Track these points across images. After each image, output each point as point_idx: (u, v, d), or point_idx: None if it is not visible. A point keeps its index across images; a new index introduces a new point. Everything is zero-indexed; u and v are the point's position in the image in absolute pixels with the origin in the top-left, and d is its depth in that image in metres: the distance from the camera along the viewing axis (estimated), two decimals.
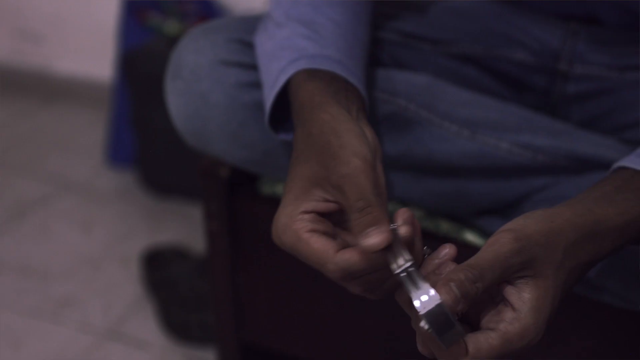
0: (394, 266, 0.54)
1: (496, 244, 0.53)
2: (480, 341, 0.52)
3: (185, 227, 1.53)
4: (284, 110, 0.68)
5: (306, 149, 0.60)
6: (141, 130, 1.64)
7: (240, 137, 0.75)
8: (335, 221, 0.60)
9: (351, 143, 0.58)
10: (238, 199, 0.90)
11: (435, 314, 0.51)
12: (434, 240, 0.81)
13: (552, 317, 0.54)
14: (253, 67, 0.74)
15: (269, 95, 0.66)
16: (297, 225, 0.58)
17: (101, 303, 1.36)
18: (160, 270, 1.35)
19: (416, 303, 0.52)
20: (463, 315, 0.54)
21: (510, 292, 0.53)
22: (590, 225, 0.55)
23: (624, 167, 0.60)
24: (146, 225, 1.57)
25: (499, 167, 0.73)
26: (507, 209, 0.76)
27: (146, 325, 1.31)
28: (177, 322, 1.27)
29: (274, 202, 0.88)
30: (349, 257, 0.56)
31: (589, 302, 0.74)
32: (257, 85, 0.74)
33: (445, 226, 0.80)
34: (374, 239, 0.54)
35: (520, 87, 0.81)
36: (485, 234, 0.79)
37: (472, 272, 0.52)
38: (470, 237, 0.80)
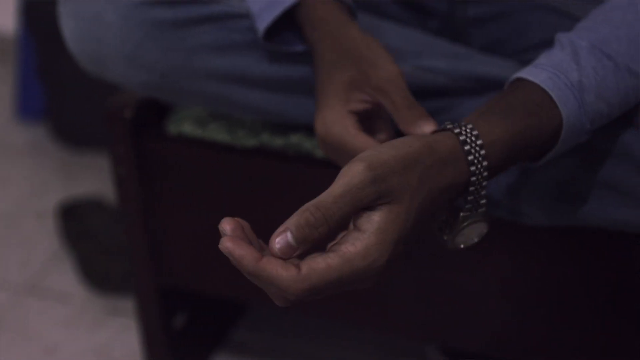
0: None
1: (347, 174, 0.50)
2: (317, 261, 0.49)
3: (101, 179, 1.50)
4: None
5: (341, 58, 0.66)
6: (50, 82, 1.59)
7: (137, 58, 0.73)
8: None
9: (386, 54, 0.66)
10: (145, 141, 0.88)
11: None
12: None
13: (402, 242, 0.52)
14: None
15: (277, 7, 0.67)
16: (346, 121, 0.65)
17: (18, 259, 1.33)
18: (77, 222, 1.32)
19: None
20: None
21: (361, 215, 0.51)
22: (446, 150, 0.54)
23: (520, 78, 0.60)
24: (61, 179, 1.53)
25: None
26: None
27: (65, 278, 1.29)
28: (97, 272, 1.25)
29: (182, 142, 0.88)
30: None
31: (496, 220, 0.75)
32: (152, 3, 0.71)
33: None
34: (429, 126, 0.62)
35: (423, 13, 0.81)
36: None
37: (315, 216, 0.49)
38: None
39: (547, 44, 0.64)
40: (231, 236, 0.50)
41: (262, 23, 0.68)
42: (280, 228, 0.50)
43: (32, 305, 1.25)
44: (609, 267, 0.77)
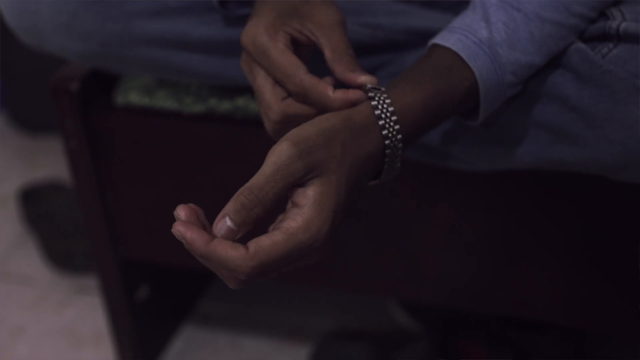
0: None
1: (274, 154, 0.52)
2: (262, 240, 0.52)
3: (61, 163, 1.49)
4: None
5: None
6: (5, 69, 1.58)
7: (74, 28, 0.74)
8: None
9: (334, 4, 0.64)
10: (93, 113, 0.88)
11: None
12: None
13: (340, 210, 0.54)
14: None
15: None
16: (278, 36, 0.61)
17: None
18: (38, 205, 1.32)
19: None
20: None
21: (296, 193, 0.53)
22: (363, 120, 0.56)
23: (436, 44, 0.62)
24: (22, 165, 1.53)
25: None
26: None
27: (29, 261, 1.29)
28: (60, 253, 1.25)
29: (130, 111, 0.88)
30: (317, 83, 0.60)
31: (440, 170, 0.77)
32: None
33: None
34: (367, 78, 0.59)
35: None
36: None
37: (249, 198, 0.51)
38: None
39: None
40: (183, 221, 0.52)
41: None
42: (220, 215, 0.52)
43: None
44: (559, 213, 0.79)
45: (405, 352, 1.01)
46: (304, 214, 0.52)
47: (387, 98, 0.57)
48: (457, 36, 0.61)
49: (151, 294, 1.09)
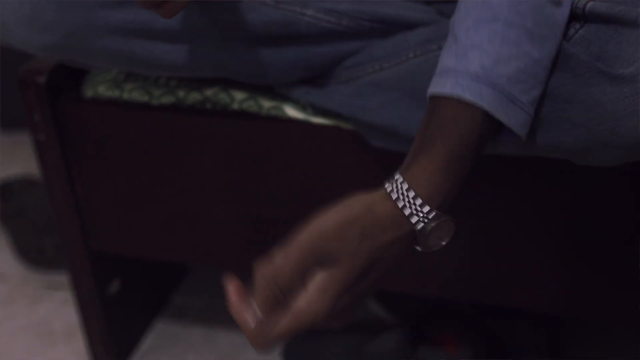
0: None
1: (297, 247, 0.57)
2: (280, 325, 0.58)
3: (35, 158, 1.49)
4: None
5: None
6: None
7: (36, 20, 0.73)
8: None
9: None
10: (61, 105, 0.88)
11: None
12: (258, 119, 0.82)
13: (344, 294, 0.58)
14: None
15: None
16: None
17: None
18: (10, 200, 1.31)
19: None
20: None
21: (309, 273, 0.58)
22: (387, 211, 0.57)
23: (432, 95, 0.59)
24: None
25: (306, 34, 0.74)
26: (321, 78, 0.78)
27: (1, 258, 1.28)
28: (32, 249, 1.24)
29: (98, 103, 0.88)
30: None
31: None
32: None
33: (266, 104, 0.81)
34: None
35: None
36: (303, 107, 0.81)
37: (271, 288, 0.58)
38: (292, 112, 0.81)
39: None
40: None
41: None
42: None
43: None
44: (539, 199, 0.79)
45: (379, 342, 1.01)
46: (307, 297, 0.57)
47: (403, 182, 0.57)
48: (449, 80, 0.57)
49: (123, 289, 1.09)
